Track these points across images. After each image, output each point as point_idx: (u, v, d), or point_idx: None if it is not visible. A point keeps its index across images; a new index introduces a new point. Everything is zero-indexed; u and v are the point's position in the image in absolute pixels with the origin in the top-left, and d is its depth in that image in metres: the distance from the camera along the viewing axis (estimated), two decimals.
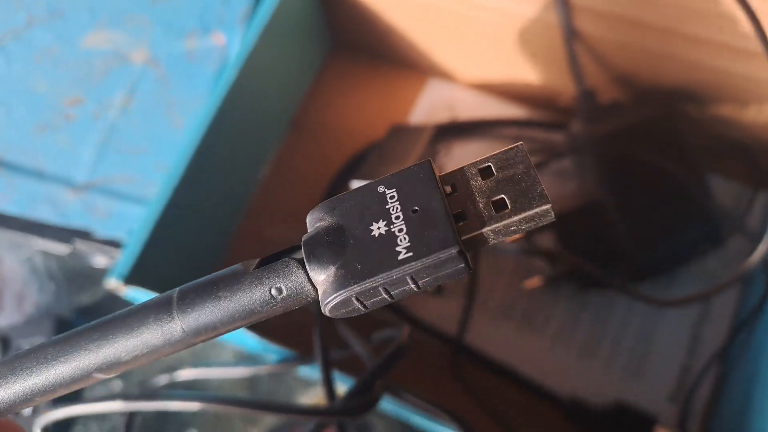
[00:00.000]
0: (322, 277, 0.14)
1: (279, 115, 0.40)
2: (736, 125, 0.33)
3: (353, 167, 0.38)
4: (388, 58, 0.41)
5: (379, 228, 0.15)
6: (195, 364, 0.35)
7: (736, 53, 0.29)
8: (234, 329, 0.15)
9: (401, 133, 0.37)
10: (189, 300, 0.15)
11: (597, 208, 0.31)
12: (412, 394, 0.26)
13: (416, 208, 0.15)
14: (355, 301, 0.14)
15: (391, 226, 0.14)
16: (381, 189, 0.15)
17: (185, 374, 0.32)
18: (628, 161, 0.30)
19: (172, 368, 0.32)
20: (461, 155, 0.38)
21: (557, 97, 0.37)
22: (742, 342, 0.32)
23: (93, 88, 0.40)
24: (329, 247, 0.14)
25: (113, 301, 0.37)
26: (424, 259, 0.14)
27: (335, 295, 0.14)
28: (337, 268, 0.14)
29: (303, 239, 0.15)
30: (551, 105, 0.39)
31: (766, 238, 0.28)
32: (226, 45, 0.40)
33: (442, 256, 0.14)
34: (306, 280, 0.15)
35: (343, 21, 0.40)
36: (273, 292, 0.15)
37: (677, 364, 0.33)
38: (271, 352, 0.31)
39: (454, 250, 0.14)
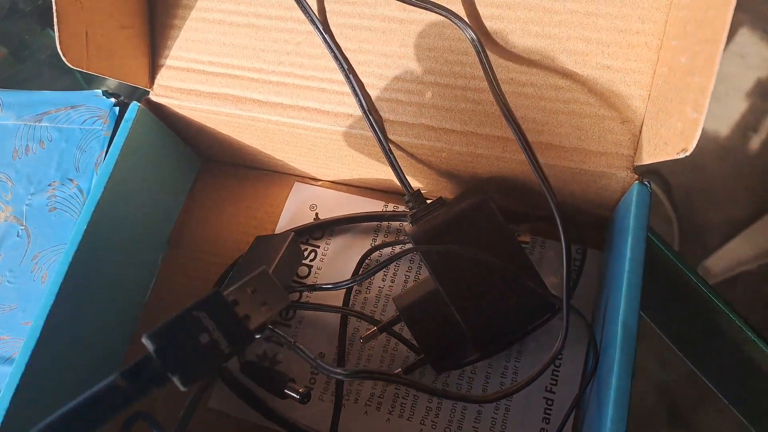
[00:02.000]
0: None
1: (155, 236, 0.42)
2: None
3: (221, 281, 0.40)
4: (255, 165, 0.44)
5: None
6: None
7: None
8: None
9: (264, 242, 0.40)
10: None
11: (439, 297, 0.34)
12: None
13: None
14: None
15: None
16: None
17: None
18: (451, 256, 0.32)
19: None
20: (326, 251, 0.41)
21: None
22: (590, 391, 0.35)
23: None
24: None
25: None
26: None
27: None
28: None
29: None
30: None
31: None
32: (84, 190, 0.41)
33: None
34: None
35: (200, 141, 0.42)
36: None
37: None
38: None
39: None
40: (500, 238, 0.33)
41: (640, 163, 0.30)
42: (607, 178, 0.32)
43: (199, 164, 0.45)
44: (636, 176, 0.31)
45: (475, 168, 0.35)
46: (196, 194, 0.44)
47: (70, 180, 0.42)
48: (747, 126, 0.53)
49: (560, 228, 0.30)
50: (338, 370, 0.31)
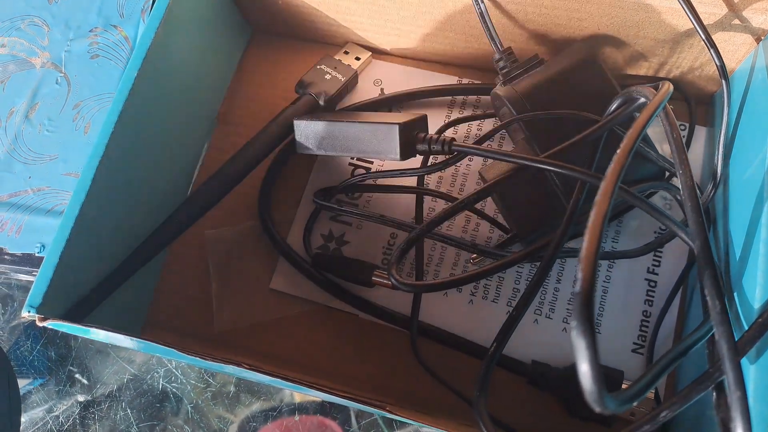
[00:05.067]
0: None
1: (204, 110, 0.38)
2: (656, 59, 0.32)
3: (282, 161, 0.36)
4: (310, 37, 0.40)
5: None
6: None
7: None
8: None
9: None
10: None
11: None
12: None
13: None
14: None
15: None
16: None
17: None
18: (552, 118, 0.29)
19: None
20: None
21: (483, 58, 0.36)
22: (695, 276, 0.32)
23: None
24: None
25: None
26: None
27: None
28: None
29: None
30: (480, 67, 0.38)
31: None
32: (131, 39, 0.38)
33: None
34: None
35: (254, 7, 0.38)
36: None
37: (636, 314, 0.32)
38: None
39: None
40: (610, 99, 0.29)
41: None
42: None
43: (250, 36, 0.41)
44: None
45: (580, 20, 0.31)
46: (245, 67, 0.40)
47: (114, 26, 0.38)
48: None
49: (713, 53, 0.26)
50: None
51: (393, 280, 0.26)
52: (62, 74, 0.37)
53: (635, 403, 0.16)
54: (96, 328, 0.25)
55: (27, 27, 0.38)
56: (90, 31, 0.38)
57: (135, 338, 0.24)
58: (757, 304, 0.22)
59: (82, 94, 0.37)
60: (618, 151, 0.19)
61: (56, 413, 0.37)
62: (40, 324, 0.25)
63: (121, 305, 0.32)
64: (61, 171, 0.36)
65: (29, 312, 0.26)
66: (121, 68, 0.37)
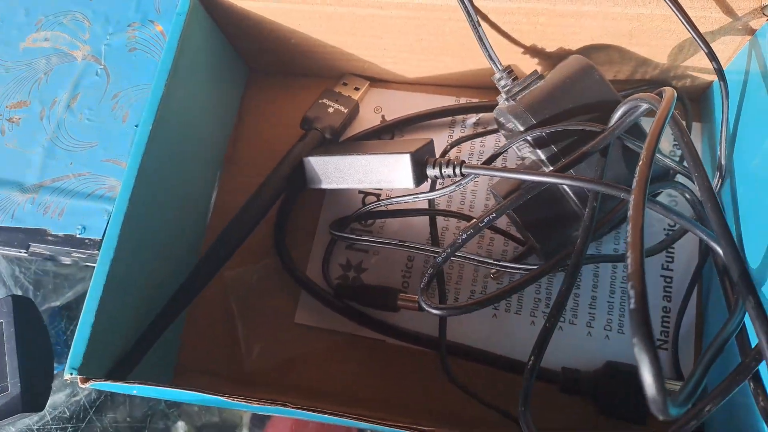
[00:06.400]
0: None
1: (212, 154, 0.38)
2: (651, 63, 0.33)
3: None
4: (307, 72, 0.40)
5: None
6: None
7: None
8: None
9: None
10: None
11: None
12: None
13: None
14: None
15: None
16: None
17: None
18: (555, 131, 0.29)
19: None
20: None
21: (479, 77, 0.37)
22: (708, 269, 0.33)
23: (37, 89, 0.40)
24: None
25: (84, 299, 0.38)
26: None
27: None
28: None
29: None
30: (476, 85, 0.39)
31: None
32: (166, 32, 0.40)
33: None
34: None
35: (251, 45, 0.38)
36: None
37: (657, 310, 0.33)
38: None
39: None
40: (611, 107, 0.30)
41: None
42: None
43: (247, 76, 0.42)
44: (767, 17, 0.28)
45: (574, 33, 0.32)
46: (246, 107, 0.41)
47: (151, 21, 0.41)
48: None
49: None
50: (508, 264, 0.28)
51: (426, 306, 0.26)
52: (102, 66, 0.40)
53: (690, 405, 0.17)
54: (140, 384, 0.25)
55: (69, 22, 0.41)
56: (128, 25, 0.41)
57: (182, 390, 0.24)
58: None
59: (120, 85, 0.40)
60: (639, 163, 0.20)
61: (78, 398, 0.39)
62: (82, 385, 0.26)
63: (152, 354, 0.32)
64: (100, 157, 0.38)
65: (71, 374, 0.26)
66: (157, 61, 0.40)
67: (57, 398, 0.39)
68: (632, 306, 0.14)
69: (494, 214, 0.28)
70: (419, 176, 0.31)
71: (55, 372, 0.38)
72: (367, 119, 0.39)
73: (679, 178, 0.31)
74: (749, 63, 0.29)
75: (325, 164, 0.33)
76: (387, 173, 0.31)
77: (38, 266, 0.41)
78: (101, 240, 0.34)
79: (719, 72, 0.30)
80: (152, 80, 0.31)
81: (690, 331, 0.32)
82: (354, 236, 0.34)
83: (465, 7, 0.30)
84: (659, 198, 0.34)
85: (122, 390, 0.25)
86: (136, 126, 0.35)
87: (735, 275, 0.21)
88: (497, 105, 0.32)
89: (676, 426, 0.22)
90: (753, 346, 0.23)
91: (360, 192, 0.37)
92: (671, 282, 0.33)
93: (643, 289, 0.15)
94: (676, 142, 0.35)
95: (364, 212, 0.35)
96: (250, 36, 0.37)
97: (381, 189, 0.37)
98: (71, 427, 0.38)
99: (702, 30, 0.29)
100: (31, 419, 0.38)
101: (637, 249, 0.16)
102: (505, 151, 0.32)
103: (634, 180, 0.19)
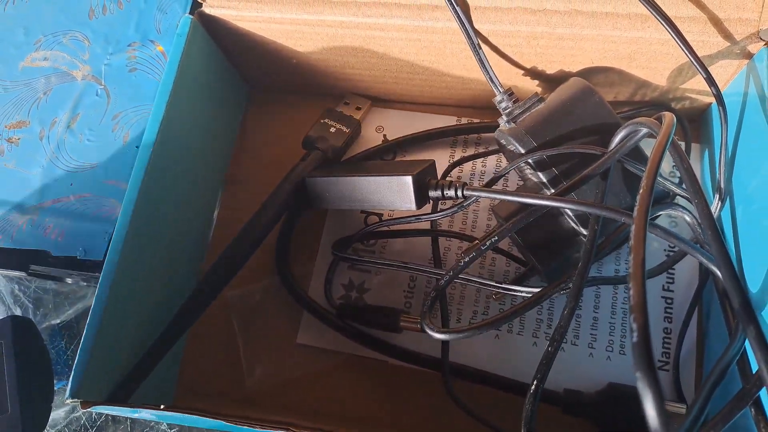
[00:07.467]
0: None
1: (213, 173, 0.39)
2: (650, 85, 0.34)
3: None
4: (307, 91, 0.41)
5: None
6: None
7: (644, 20, 0.29)
8: None
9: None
10: None
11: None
12: None
13: None
14: None
15: None
16: None
17: None
18: (555, 154, 0.30)
19: None
20: None
21: (480, 98, 0.37)
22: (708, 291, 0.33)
23: (36, 109, 0.40)
24: None
25: (85, 317, 0.39)
26: None
27: None
28: None
29: None
30: (477, 106, 0.39)
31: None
32: (167, 52, 0.40)
33: None
34: None
35: (250, 64, 0.39)
36: None
37: (658, 331, 0.33)
38: None
39: None
40: (611, 129, 0.30)
41: None
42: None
43: (248, 95, 0.42)
44: (764, 42, 0.28)
45: (574, 56, 0.32)
46: (247, 126, 0.41)
47: (152, 41, 0.40)
48: None
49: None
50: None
51: (429, 330, 0.27)
52: (102, 86, 0.40)
53: None
54: (142, 408, 0.25)
55: (68, 41, 0.41)
56: (128, 45, 0.41)
57: (184, 413, 0.25)
58: None
59: (121, 106, 0.39)
60: (640, 191, 0.20)
61: (77, 414, 0.39)
62: (84, 409, 0.26)
63: (153, 374, 0.32)
64: (101, 178, 0.38)
65: (72, 399, 0.26)
66: (158, 81, 0.39)
67: (57, 415, 0.39)
68: (634, 340, 0.15)
69: (496, 237, 0.29)
70: (421, 198, 0.31)
71: (55, 389, 0.38)
72: (369, 138, 0.39)
73: (679, 200, 0.31)
74: (747, 86, 0.30)
75: (327, 185, 0.33)
76: (389, 195, 0.31)
77: (38, 284, 0.42)
78: (102, 262, 0.33)
79: (718, 97, 0.30)
80: (153, 100, 0.31)
81: (691, 351, 0.32)
82: (356, 257, 0.34)
83: (465, 30, 0.31)
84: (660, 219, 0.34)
85: (124, 413, 0.26)
86: (137, 147, 0.35)
87: (735, 303, 0.21)
88: (498, 126, 0.32)
89: None
90: (754, 371, 0.23)
91: (362, 212, 0.38)
92: (672, 303, 0.33)
93: (645, 323, 0.15)
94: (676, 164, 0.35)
95: (367, 232, 0.35)
96: (251, 56, 0.37)
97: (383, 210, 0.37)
98: None
99: (700, 54, 0.29)
100: None
101: (639, 282, 0.16)
102: (507, 173, 0.32)
103: (635, 208, 0.20)
